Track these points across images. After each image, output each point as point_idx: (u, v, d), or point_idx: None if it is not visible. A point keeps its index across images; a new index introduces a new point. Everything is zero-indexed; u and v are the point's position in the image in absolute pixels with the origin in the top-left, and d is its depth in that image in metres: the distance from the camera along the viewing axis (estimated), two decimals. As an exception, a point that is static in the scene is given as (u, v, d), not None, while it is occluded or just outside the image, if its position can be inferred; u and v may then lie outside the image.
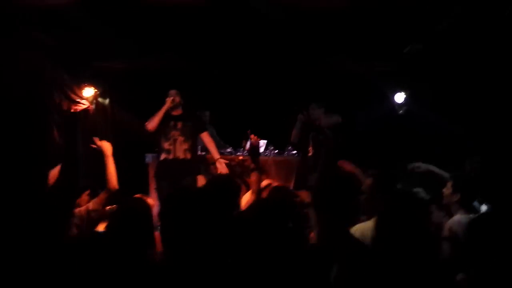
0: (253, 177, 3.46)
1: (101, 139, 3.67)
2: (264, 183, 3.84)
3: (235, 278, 2.16)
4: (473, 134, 5.47)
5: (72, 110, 5.56)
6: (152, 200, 3.81)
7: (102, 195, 3.39)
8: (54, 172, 3.37)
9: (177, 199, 2.12)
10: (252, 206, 3.13)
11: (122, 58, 5.99)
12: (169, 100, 5.07)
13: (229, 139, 6.23)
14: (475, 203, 3.44)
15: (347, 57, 5.94)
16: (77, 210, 3.34)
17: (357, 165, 4.11)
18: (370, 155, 5.66)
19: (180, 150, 5.09)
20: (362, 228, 2.72)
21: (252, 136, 4.45)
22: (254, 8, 4.47)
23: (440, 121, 5.74)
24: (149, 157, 5.98)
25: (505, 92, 5.24)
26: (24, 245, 2.10)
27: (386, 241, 2.08)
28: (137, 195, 3.47)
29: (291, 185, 5.55)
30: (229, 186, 3.03)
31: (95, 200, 3.39)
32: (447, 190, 3.35)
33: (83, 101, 5.77)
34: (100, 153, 3.57)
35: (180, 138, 5.11)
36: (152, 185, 5.76)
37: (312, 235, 2.98)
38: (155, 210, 2.82)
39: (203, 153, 5.80)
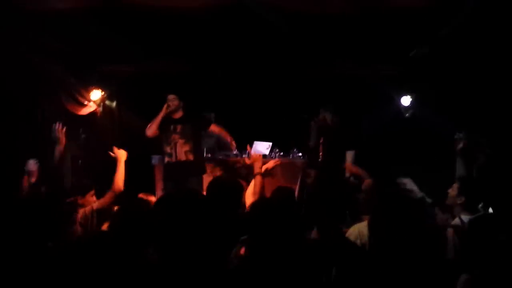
0: (256, 180, 3.48)
1: (108, 141, 3.74)
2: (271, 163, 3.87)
3: (237, 277, 2.17)
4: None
5: (79, 113, 5.62)
6: (155, 199, 3.85)
7: (108, 195, 3.44)
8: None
9: (174, 200, 2.13)
10: (255, 206, 3.14)
11: (128, 61, 6.04)
12: (164, 107, 5.10)
13: (234, 141, 6.24)
14: (480, 207, 3.44)
15: (353, 61, 5.94)
16: (82, 209, 3.39)
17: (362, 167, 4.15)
18: (375, 158, 5.69)
19: (181, 152, 5.13)
20: (360, 227, 2.74)
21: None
22: (258, 13, 4.49)
23: (446, 124, 5.72)
24: (155, 159, 6.02)
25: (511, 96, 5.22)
26: (25, 243, 2.13)
27: (379, 241, 2.08)
28: (140, 195, 3.52)
29: (296, 187, 5.56)
30: (232, 186, 3.06)
31: (101, 200, 3.44)
32: (452, 191, 3.35)
33: (91, 104, 5.83)
34: (106, 155, 3.65)
35: (180, 141, 5.14)
36: (159, 186, 5.80)
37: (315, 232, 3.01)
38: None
39: (209, 155, 5.83)
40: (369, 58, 5.82)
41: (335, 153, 5.51)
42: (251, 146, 5.13)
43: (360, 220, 3.22)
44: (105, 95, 6.18)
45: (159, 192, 5.69)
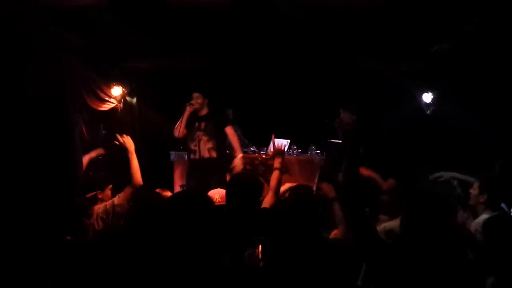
0: (274, 174, 3.47)
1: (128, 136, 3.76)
2: (286, 187, 3.85)
3: (258, 275, 2.17)
4: (502, 135, 5.33)
5: (101, 109, 5.68)
6: (171, 194, 3.87)
7: (127, 190, 3.46)
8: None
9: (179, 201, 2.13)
10: (274, 205, 3.14)
11: (149, 57, 6.08)
12: (188, 108, 5.17)
13: (252, 138, 6.24)
14: (503, 205, 3.38)
15: (374, 57, 5.88)
16: (103, 204, 3.43)
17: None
18: (397, 157, 5.62)
19: (205, 149, 5.20)
20: (389, 227, 2.72)
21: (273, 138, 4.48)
22: (278, 8, 4.46)
23: (469, 121, 5.62)
24: (173, 155, 6.06)
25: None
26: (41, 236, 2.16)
27: (412, 240, 2.06)
28: (157, 190, 3.54)
29: (314, 185, 5.53)
30: (252, 183, 3.06)
31: (121, 194, 3.46)
32: (474, 190, 3.31)
33: (111, 100, 5.89)
34: (124, 149, 3.66)
35: (204, 138, 5.21)
36: (177, 182, 5.84)
37: (336, 232, 2.99)
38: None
39: (227, 151, 5.85)
40: (391, 54, 5.75)
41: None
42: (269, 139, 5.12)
43: (377, 220, 3.19)
44: (126, 91, 6.24)
45: (177, 188, 5.74)
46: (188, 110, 5.16)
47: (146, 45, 5.38)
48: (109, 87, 5.92)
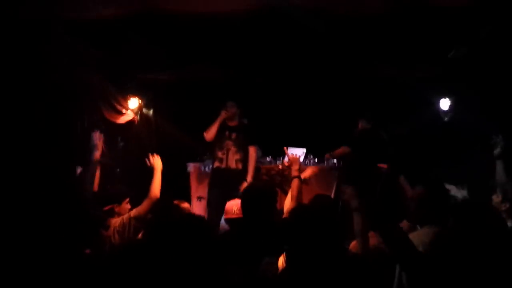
0: (294, 183, 3.45)
1: (145, 149, 3.80)
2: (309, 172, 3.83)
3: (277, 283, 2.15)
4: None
5: (117, 121, 5.73)
6: (189, 206, 3.88)
7: (145, 203, 3.47)
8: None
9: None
10: (293, 212, 3.11)
11: (165, 69, 6.13)
12: (223, 113, 5.22)
13: (269, 148, 6.23)
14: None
15: (390, 63, 5.83)
16: (120, 217, 3.44)
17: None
18: (418, 163, 5.54)
19: (232, 160, 5.26)
20: (419, 236, 2.67)
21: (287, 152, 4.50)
22: (293, 17, 4.46)
23: (487, 127, 5.52)
24: (190, 166, 6.08)
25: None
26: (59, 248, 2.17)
27: (463, 251, 2.06)
28: (175, 202, 3.55)
29: (332, 194, 5.49)
30: (266, 192, 3.05)
31: (138, 208, 3.47)
32: (496, 198, 3.25)
33: (128, 112, 5.94)
34: (143, 163, 3.69)
35: (233, 149, 5.27)
36: (194, 194, 5.84)
37: (354, 243, 2.95)
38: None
39: None
40: (407, 60, 5.69)
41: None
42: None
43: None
44: (143, 103, 6.29)
45: (194, 200, 5.74)
46: (223, 115, 5.22)
47: (163, 57, 5.43)
48: (126, 99, 5.97)
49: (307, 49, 5.38)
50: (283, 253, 2.61)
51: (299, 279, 2.11)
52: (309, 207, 3.11)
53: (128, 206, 3.60)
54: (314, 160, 6.19)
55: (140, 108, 6.24)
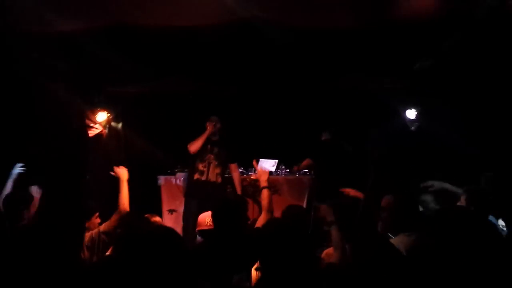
0: (264, 193, 3.46)
1: (114, 162, 3.73)
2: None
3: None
4: (486, 149, 5.40)
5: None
6: (160, 219, 3.83)
7: (114, 217, 3.40)
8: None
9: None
10: (266, 224, 3.12)
11: (134, 82, 6.07)
12: (211, 126, 5.26)
13: (240, 159, 6.23)
14: (491, 218, 3.39)
15: (358, 75, 5.95)
16: (89, 233, 3.36)
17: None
18: (385, 173, 5.63)
19: (213, 173, 5.29)
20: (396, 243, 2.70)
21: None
22: (264, 31, 4.51)
23: (452, 137, 5.69)
24: (161, 179, 6.02)
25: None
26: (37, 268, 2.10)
27: (450, 259, 2.08)
28: (146, 216, 3.49)
29: (304, 204, 5.52)
30: (232, 203, 3.06)
31: (107, 222, 3.40)
32: (461, 203, 3.32)
33: (97, 126, 5.85)
34: (114, 177, 3.62)
35: (215, 162, 5.32)
36: (165, 207, 5.78)
37: (328, 251, 2.97)
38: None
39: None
40: (374, 72, 5.82)
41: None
42: (257, 161, 5.16)
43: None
44: (111, 117, 6.20)
45: (165, 213, 5.67)
46: (210, 129, 5.25)
47: (131, 70, 5.38)
48: (94, 113, 5.88)
49: (277, 62, 5.43)
50: (254, 264, 2.60)
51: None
52: (281, 218, 3.13)
53: (98, 220, 3.53)
54: (286, 170, 6.23)
55: (108, 121, 6.15)
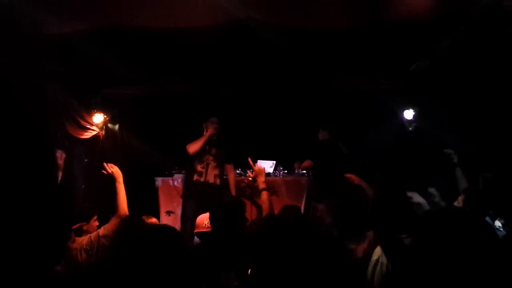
0: (263, 196, 3.45)
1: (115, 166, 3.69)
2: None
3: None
4: (483, 149, 5.41)
5: (82, 137, 5.61)
6: (156, 221, 3.82)
7: (113, 221, 3.37)
8: None
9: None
10: (263, 223, 3.11)
11: (130, 84, 6.07)
12: (212, 128, 5.24)
13: (238, 160, 6.23)
14: (488, 218, 3.41)
15: (355, 76, 5.96)
16: (87, 236, 3.34)
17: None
18: (383, 172, 5.64)
19: (212, 174, 5.28)
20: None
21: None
22: (259, 32, 4.50)
23: (450, 137, 5.70)
24: (159, 181, 6.00)
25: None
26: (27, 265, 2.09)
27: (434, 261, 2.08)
28: (142, 217, 3.47)
29: (302, 205, 5.52)
30: (229, 205, 3.06)
31: (106, 226, 3.37)
32: (458, 204, 3.33)
33: (93, 128, 5.83)
34: (110, 178, 3.58)
35: (213, 163, 5.30)
36: (163, 208, 5.77)
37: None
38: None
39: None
40: (371, 73, 5.83)
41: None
42: (253, 161, 5.15)
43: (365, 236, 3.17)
44: (108, 118, 6.19)
45: (163, 214, 5.66)
46: (211, 131, 5.24)
47: (128, 72, 5.37)
48: (91, 115, 5.87)
49: (274, 63, 5.43)
50: (249, 266, 2.60)
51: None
52: (278, 218, 3.12)
53: (96, 223, 3.50)
54: (283, 171, 6.23)
55: (105, 123, 6.14)
